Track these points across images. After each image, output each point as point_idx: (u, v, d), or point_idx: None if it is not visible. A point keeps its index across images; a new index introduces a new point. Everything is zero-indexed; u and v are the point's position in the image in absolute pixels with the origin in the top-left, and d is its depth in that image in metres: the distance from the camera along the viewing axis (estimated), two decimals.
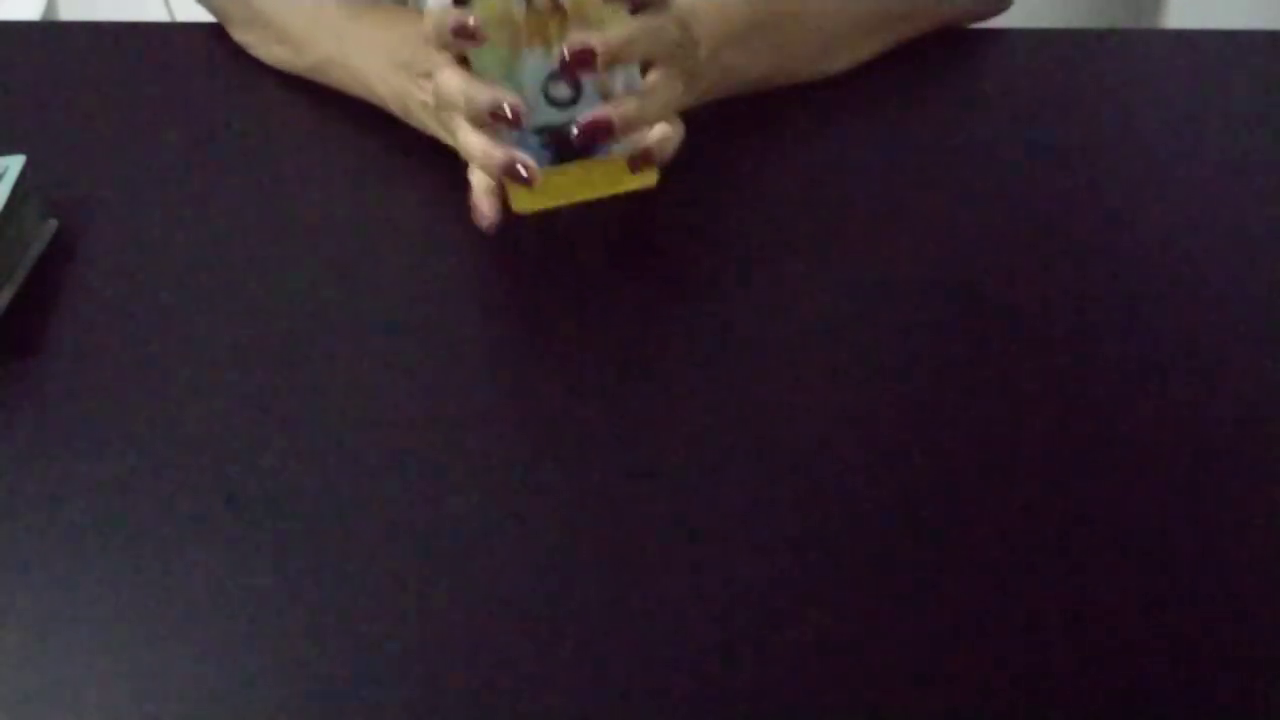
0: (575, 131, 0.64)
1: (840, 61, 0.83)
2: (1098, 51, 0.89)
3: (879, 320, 0.68)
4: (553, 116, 0.65)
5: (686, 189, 0.71)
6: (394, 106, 0.78)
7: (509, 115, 0.63)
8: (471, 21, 0.63)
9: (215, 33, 0.88)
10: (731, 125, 0.76)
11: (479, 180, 0.68)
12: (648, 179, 0.66)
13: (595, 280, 0.70)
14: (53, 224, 0.73)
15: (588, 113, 0.64)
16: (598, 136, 0.64)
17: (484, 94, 0.64)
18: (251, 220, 0.74)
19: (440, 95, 0.66)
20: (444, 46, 0.65)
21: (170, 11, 1.63)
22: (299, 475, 0.60)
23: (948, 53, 0.87)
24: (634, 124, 0.65)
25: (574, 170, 0.66)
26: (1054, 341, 0.66)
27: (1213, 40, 0.90)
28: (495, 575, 0.56)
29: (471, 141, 0.65)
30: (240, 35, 0.86)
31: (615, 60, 0.64)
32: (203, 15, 0.90)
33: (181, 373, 0.65)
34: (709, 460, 0.60)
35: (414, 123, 0.77)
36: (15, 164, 0.70)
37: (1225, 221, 0.74)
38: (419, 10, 0.87)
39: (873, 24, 0.84)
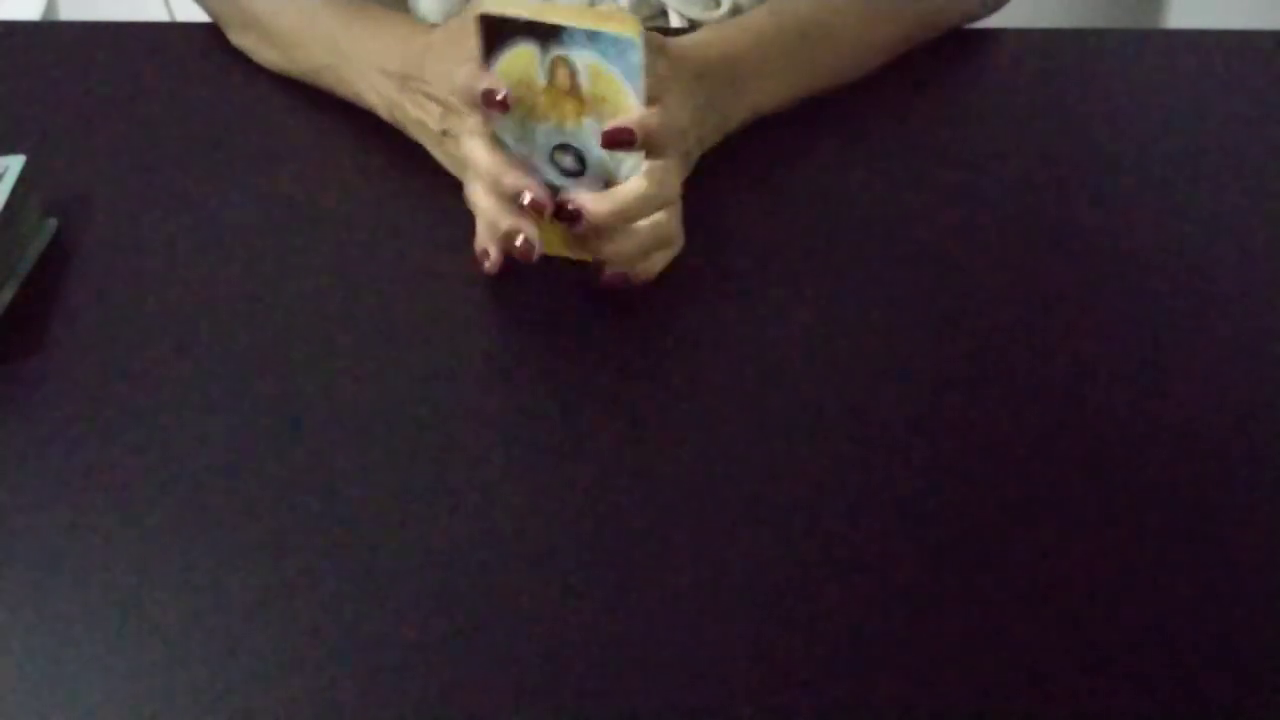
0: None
1: (857, 74, 0.83)
2: (1098, 51, 0.89)
3: (877, 321, 0.68)
4: (557, 179, 0.67)
5: (686, 190, 0.71)
6: (384, 115, 0.78)
7: (529, 206, 0.65)
8: (502, 94, 0.64)
9: (215, 33, 0.88)
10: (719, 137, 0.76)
11: (483, 230, 0.69)
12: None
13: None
14: (53, 224, 0.73)
15: (569, 198, 0.65)
16: (577, 228, 0.65)
17: (510, 178, 0.65)
18: (251, 220, 0.74)
19: (468, 161, 0.67)
20: (472, 107, 0.66)
21: (170, 11, 1.63)
22: (299, 475, 0.60)
23: (948, 53, 0.87)
24: (608, 226, 0.65)
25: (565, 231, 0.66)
26: (1054, 342, 0.66)
27: (1213, 40, 0.90)
28: (495, 575, 0.56)
29: (484, 205, 0.67)
30: (237, 39, 0.86)
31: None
32: (203, 15, 0.90)
33: (181, 372, 0.65)
34: (709, 461, 0.60)
35: (405, 130, 0.77)
36: (15, 164, 0.70)
37: (1225, 221, 0.74)
38: (412, 17, 0.87)
39: (891, 38, 0.84)
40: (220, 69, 0.86)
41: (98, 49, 0.88)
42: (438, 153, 0.75)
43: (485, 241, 0.68)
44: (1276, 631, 0.54)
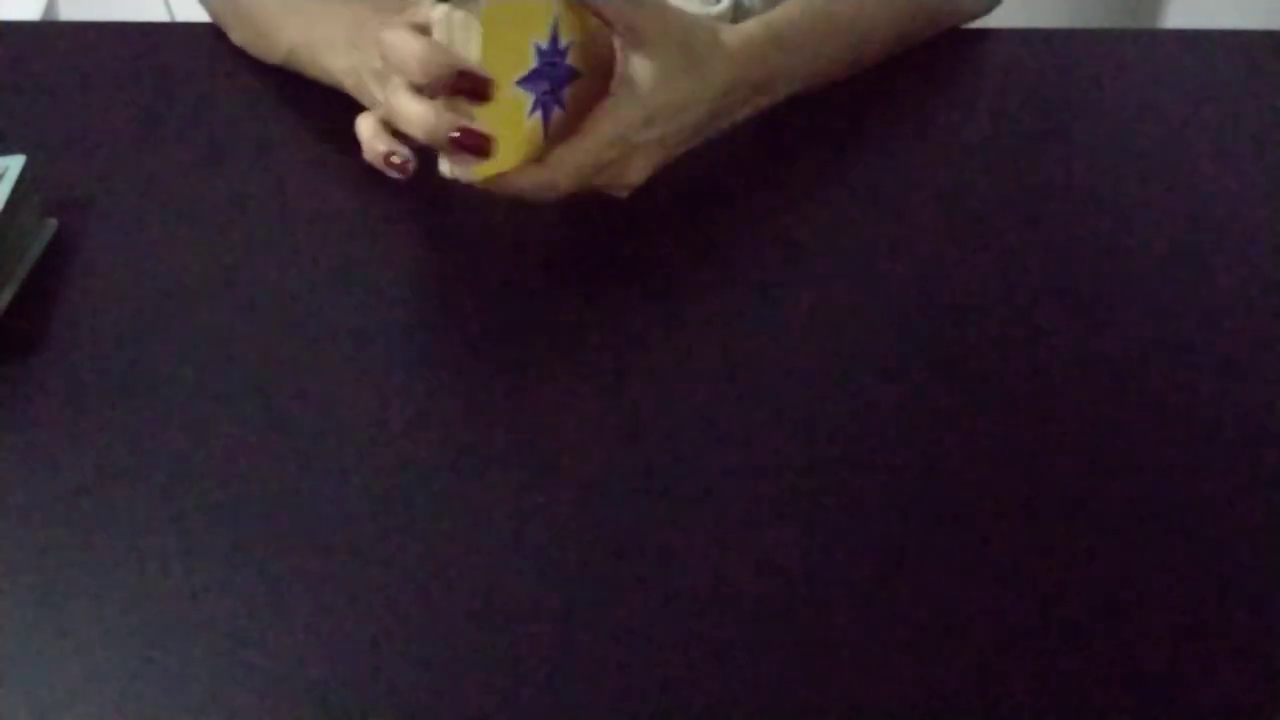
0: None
1: (858, 68, 0.83)
2: (1098, 51, 0.89)
3: (875, 320, 0.68)
4: None
5: (684, 189, 0.71)
6: (348, 82, 0.77)
7: (474, 91, 0.63)
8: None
9: (215, 33, 0.89)
10: (724, 130, 0.76)
11: (372, 125, 0.68)
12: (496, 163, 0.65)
13: (594, 279, 0.70)
14: (53, 224, 0.73)
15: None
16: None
17: (443, 56, 0.62)
18: (251, 220, 0.74)
19: (390, 49, 0.64)
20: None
21: (170, 11, 1.63)
22: (299, 474, 0.60)
23: (948, 53, 0.87)
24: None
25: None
26: (1053, 341, 0.66)
27: (1213, 40, 0.90)
28: (495, 575, 0.56)
29: (411, 108, 0.64)
30: (236, 37, 0.86)
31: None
32: (203, 15, 0.90)
33: (181, 372, 0.65)
34: (708, 460, 0.60)
35: (365, 100, 0.76)
36: (15, 164, 0.70)
37: (1225, 221, 0.74)
38: None
39: (900, 27, 0.84)
40: (220, 69, 0.86)
41: (98, 49, 0.88)
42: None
43: (380, 137, 0.67)
44: (1276, 631, 0.54)
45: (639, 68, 0.66)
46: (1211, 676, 0.52)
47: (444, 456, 0.61)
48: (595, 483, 0.59)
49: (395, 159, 0.67)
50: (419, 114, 0.64)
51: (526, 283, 0.70)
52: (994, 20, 0.91)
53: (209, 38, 0.88)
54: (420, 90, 0.64)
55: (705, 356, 0.66)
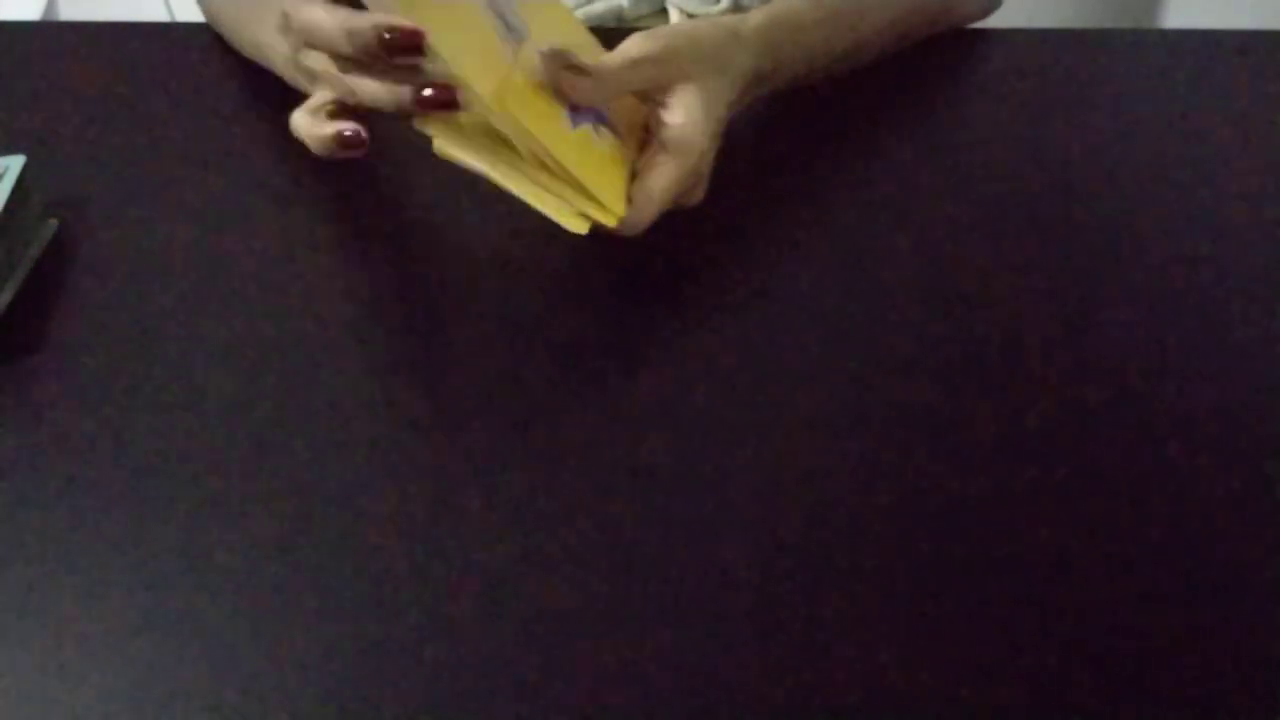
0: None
1: (865, 60, 0.83)
2: (1098, 51, 0.89)
3: (876, 319, 0.68)
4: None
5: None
6: (287, 77, 0.76)
7: (403, 43, 0.60)
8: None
9: (215, 33, 0.89)
10: (728, 125, 0.76)
11: (306, 118, 0.65)
12: (578, 225, 0.64)
13: (595, 278, 0.70)
14: (53, 224, 0.73)
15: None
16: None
17: (364, 20, 0.60)
18: (251, 220, 0.74)
19: (306, 23, 0.62)
20: None
21: (170, 11, 1.63)
22: (299, 475, 0.60)
23: (948, 53, 0.87)
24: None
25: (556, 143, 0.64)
26: (1053, 341, 0.66)
27: (1213, 40, 0.90)
28: (495, 575, 0.56)
29: (370, 85, 0.62)
30: (230, 42, 0.87)
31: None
32: (203, 15, 0.90)
33: (181, 372, 0.65)
34: (709, 460, 0.60)
35: (296, 83, 0.75)
36: (15, 164, 0.70)
37: (1225, 222, 0.74)
38: None
39: (899, 26, 0.84)
40: (220, 69, 0.86)
41: (98, 49, 0.88)
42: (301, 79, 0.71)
43: (322, 121, 0.64)
44: (1276, 631, 0.54)
45: (686, 102, 0.67)
46: (1212, 677, 0.52)
47: (448, 457, 0.61)
48: (599, 484, 0.59)
49: (346, 132, 0.63)
50: (379, 87, 0.62)
51: (530, 284, 0.70)
52: (994, 20, 0.91)
53: (209, 38, 0.88)
54: (359, 62, 0.62)
55: (705, 357, 0.66)
